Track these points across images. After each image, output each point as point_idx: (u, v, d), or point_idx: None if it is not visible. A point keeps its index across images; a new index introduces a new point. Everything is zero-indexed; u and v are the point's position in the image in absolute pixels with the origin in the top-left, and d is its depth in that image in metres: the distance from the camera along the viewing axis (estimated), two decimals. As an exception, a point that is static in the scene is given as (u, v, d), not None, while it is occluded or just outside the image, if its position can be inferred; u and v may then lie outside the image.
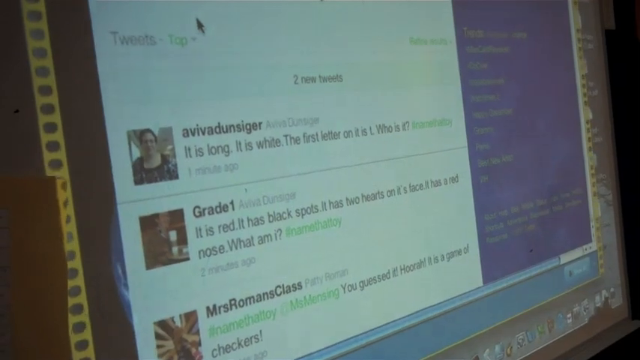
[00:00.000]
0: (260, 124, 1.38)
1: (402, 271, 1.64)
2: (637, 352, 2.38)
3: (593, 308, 2.28)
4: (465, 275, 1.82)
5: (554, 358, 2.09)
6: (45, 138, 1.09)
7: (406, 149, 1.67)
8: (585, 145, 2.29)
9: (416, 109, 1.71)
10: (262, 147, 1.38)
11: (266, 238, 1.37)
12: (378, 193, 1.60)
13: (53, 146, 1.10)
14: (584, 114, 2.29)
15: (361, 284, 1.55)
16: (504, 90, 1.97)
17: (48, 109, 1.09)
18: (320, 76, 1.50)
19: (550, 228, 2.12)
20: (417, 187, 1.69)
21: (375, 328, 1.58)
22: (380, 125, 1.61)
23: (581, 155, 2.28)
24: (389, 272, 1.61)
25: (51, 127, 1.09)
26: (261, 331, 1.36)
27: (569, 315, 2.18)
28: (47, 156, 1.09)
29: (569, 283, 2.19)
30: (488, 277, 1.87)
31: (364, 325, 1.55)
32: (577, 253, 2.23)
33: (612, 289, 2.38)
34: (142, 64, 1.21)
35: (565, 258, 2.18)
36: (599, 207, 2.33)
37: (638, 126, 2.59)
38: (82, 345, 1.12)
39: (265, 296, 1.37)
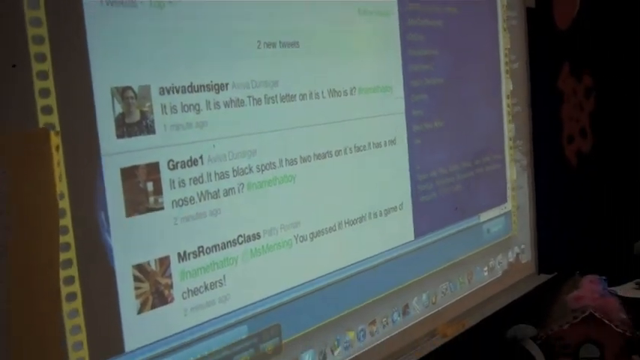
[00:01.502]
0: (227, 85, 1.48)
1: (346, 225, 1.79)
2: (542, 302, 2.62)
3: (506, 263, 2.51)
4: (399, 230, 1.99)
5: (473, 306, 2.30)
6: (38, 85, 1.16)
7: (353, 112, 1.81)
8: (505, 113, 2.49)
9: (362, 75, 1.84)
10: (229, 106, 1.48)
11: (230, 191, 1.49)
12: (328, 152, 1.73)
13: (45, 93, 1.16)
14: (506, 85, 2.48)
15: (311, 235, 1.69)
16: (437, 60, 2.13)
17: (40, 57, 1.16)
18: (280, 42, 1.60)
19: (472, 189, 2.31)
20: (361, 148, 1.84)
21: (322, 276, 1.72)
22: (331, 90, 1.73)
23: (502, 123, 2.48)
24: (335, 225, 1.76)
25: (43, 75, 1.16)
26: (224, 276, 1.48)
27: (485, 268, 2.40)
28: (40, 102, 1.16)
29: (486, 239, 2.40)
30: (418, 232, 2.05)
31: (313, 273, 1.70)
32: (494, 212, 2.44)
33: (523, 246, 2.62)
34: (124, 24, 1.29)
35: (484, 216, 2.38)
36: (514, 171, 2.54)
37: (553, 97, 2.82)
38: (70, 280, 1.22)
39: (229, 244, 1.49)
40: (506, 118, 2.49)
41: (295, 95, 1.64)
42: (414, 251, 2.04)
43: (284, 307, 1.62)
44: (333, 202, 1.76)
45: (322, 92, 1.71)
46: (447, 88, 2.17)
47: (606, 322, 2.19)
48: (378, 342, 1.92)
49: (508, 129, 2.50)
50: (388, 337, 1.95)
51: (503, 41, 2.46)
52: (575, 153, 2.99)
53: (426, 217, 2.08)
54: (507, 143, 2.50)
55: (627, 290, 2.63)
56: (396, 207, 1.97)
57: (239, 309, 1.51)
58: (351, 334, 1.82)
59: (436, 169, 2.13)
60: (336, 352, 1.78)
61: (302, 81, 1.66)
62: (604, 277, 2.40)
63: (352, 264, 1.82)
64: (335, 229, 1.76)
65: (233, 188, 1.50)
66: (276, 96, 1.59)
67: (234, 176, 1.50)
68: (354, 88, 1.81)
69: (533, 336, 2.30)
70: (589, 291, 2.31)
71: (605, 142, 3.18)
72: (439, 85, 2.14)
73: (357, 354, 1.84)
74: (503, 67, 2.47)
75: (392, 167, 1.96)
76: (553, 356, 2.23)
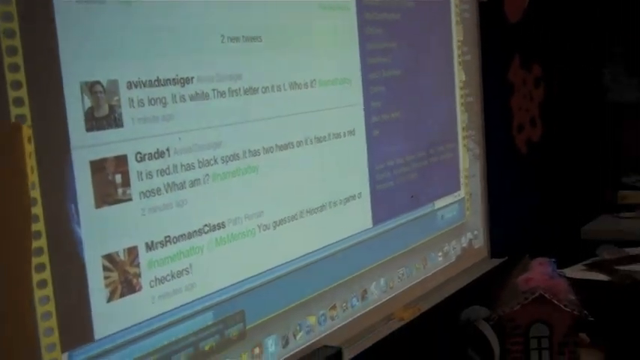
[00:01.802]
0: (192, 78, 1.52)
1: (307, 213, 1.85)
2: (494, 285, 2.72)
3: (459, 248, 2.60)
4: (358, 218, 2.06)
5: (428, 290, 2.39)
6: (9, 78, 1.18)
7: (313, 104, 1.87)
8: (458, 104, 2.58)
9: (322, 68, 1.90)
10: (194, 100, 1.52)
11: (196, 182, 1.53)
12: (289, 143, 1.79)
13: (16, 85, 1.19)
14: (459, 76, 2.57)
15: (274, 224, 1.74)
16: (394, 53, 2.20)
17: (12, 53, 1.19)
18: (243, 36, 1.65)
19: (427, 177, 2.39)
20: (321, 139, 1.89)
21: (284, 264, 1.78)
22: (292, 82, 1.79)
23: (455, 113, 2.57)
24: (296, 214, 1.81)
25: (14, 68, 1.19)
26: (191, 264, 1.52)
27: (440, 254, 2.48)
28: (12, 95, 1.19)
29: (440, 225, 2.49)
30: (376, 219, 2.12)
31: (275, 261, 1.75)
32: (448, 199, 2.53)
33: (475, 232, 2.72)
34: (93, 20, 1.32)
35: (438, 204, 2.47)
36: (467, 160, 2.63)
37: (504, 88, 2.91)
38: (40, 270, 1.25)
39: (195, 234, 1.53)
40: (459, 109, 2.57)
41: (258, 88, 1.69)
42: (373, 238, 2.11)
43: (248, 294, 1.67)
44: (295, 192, 1.81)
45: (284, 85, 1.76)
46: (403, 80, 2.24)
47: (555, 302, 2.28)
48: (339, 326, 1.99)
49: (461, 119, 2.58)
50: (348, 320, 2.02)
51: (456, 34, 2.54)
52: (525, 142, 3.10)
53: (383, 205, 2.15)
54: (460, 133, 2.58)
55: (575, 272, 2.74)
56: (355, 196, 2.03)
57: (205, 296, 1.56)
58: (312, 319, 1.89)
59: (393, 159, 2.20)
60: (298, 337, 1.84)
61: (264, 74, 1.71)
62: (553, 260, 2.49)
63: (313, 251, 1.88)
64: (297, 218, 1.81)
65: (198, 179, 1.54)
66: (239, 89, 1.63)
67: (199, 167, 1.54)
68: (314, 80, 1.86)
69: (486, 317, 2.39)
70: (538, 273, 2.40)
71: (554, 131, 3.30)
72: (396, 77, 2.21)
73: (318, 338, 1.90)
74: (456, 59, 2.55)
75: (351, 157, 2.03)
76: (505, 336, 2.32)
